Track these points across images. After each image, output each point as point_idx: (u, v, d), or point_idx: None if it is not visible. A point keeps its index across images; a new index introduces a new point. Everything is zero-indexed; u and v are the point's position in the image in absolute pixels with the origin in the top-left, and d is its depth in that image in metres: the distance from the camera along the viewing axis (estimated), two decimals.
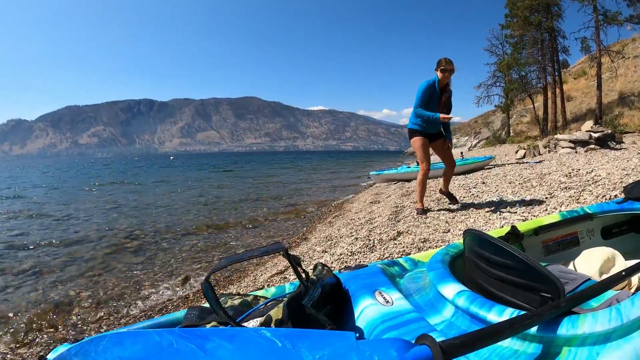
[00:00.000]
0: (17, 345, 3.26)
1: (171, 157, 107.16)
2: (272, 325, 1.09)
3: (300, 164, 40.88)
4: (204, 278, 1.18)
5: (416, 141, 4.93)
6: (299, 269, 1.18)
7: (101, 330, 3.51)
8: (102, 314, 3.82)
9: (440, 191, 5.43)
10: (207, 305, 1.59)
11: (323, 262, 1.35)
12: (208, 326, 1.26)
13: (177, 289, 4.42)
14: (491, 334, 0.76)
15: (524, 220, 3.58)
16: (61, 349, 1.46)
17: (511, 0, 26.60)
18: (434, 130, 4.95)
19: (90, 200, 13.62)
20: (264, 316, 1.14)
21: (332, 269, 2.54)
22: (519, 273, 1.11)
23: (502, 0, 27.70)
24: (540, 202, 4.51)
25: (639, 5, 21.41)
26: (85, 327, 3.57)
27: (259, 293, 1.61)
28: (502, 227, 3.26)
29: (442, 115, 4.65)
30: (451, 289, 1.19)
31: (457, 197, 5.69)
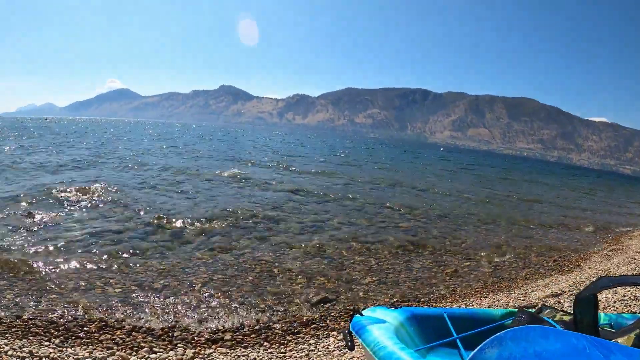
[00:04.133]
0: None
1: (441, 149, 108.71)
2: None
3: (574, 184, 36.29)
4: (586, 292, 1.32)
5: None
6: None
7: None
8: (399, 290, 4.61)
9: None
10: (530, 310, 1.75)
11: None
12: None
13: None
14: None
15: None
16: (379, 310, 1.84)
17: None
18: None
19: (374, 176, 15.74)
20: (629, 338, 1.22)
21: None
22: None
23: None
24: None
25: None
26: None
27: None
28: None
29: None
30: None
31: None
